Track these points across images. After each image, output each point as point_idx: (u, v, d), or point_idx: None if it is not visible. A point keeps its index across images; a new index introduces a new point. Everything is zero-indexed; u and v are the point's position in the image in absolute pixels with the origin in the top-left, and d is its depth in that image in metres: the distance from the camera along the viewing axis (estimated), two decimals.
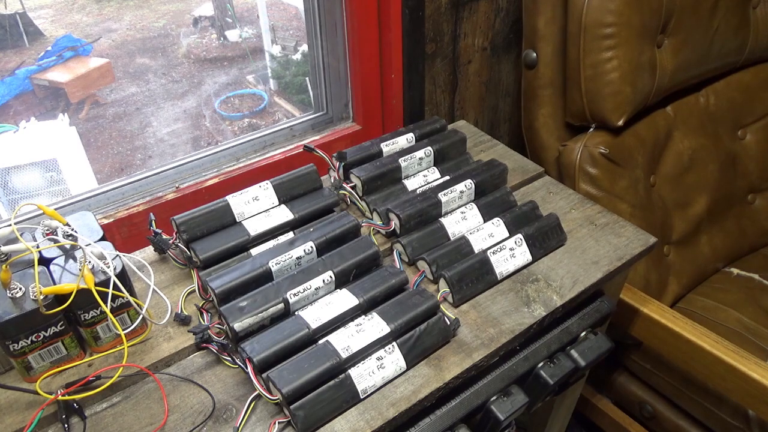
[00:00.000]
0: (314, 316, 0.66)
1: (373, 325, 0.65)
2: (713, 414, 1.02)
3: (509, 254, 0.76)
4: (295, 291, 0.67)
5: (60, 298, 0.59)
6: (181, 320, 0.69)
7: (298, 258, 0.73)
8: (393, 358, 0.63)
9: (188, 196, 0.97)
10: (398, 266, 0.76)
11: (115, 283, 0.61)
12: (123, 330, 0.63)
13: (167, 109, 3.02)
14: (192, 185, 0.99)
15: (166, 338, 0.68)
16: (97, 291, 0.59)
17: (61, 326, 0.61)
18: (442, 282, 0.73)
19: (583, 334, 0.77)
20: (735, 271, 1.30)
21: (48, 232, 0.64)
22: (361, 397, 0.61)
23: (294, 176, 0.82)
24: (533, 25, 1.12)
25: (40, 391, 0.59)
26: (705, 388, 1.01)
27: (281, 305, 0.66)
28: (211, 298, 0.70)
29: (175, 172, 1.00)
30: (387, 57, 1.05)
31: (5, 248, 0.59)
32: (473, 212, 0.82)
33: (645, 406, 1.15)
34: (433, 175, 0.89)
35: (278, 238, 0.78)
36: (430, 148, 0.90)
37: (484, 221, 0.81)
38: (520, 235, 0.78)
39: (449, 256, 0.75)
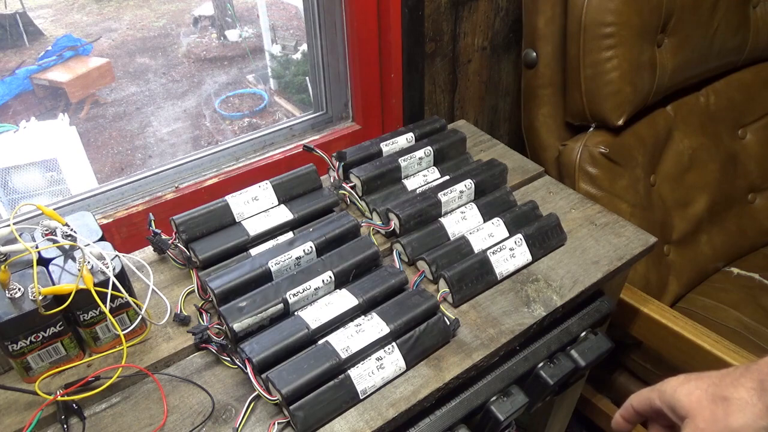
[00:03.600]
0: (314, 316, 0.65)
1: (373, 326, 0.64)
2: None
3: (509, 254, 0.76)
4: (294, 291, 0.67)
5: (59, 299, 0.59)
6: (181, 320, 0.69)
7: (297, 258, 0.72)
8: (392, 359, 0.63)
9: (188, 196, 0.97)
10: (398, 266, 0.76)
11: (114, 283, 0.61)
12: (122, 330, 0.63)
13: (167, 109, 3.02)
14: (191, 185, 0.99)
15: (166, 338, 0.68)
16: (96, 291, 0.59)
17: (60, 327, 0.61)
18: (441, 282, 0.73)
19: (583, 334, 0.77)
20: (735, 270, 1.30)
21: (47, 232, 0.64)
22: (361, 398, 0.61)
23: (293, 176, 0.82)
24: (533, 24, 1.12)
25: (39, 392, 0.59)
26: None
27: (281, 305, 0.66)
28: (210, 299, 0.70)
29: (174, 172, 1.00)
30: (387, 56, 1.05)
31: (4, 248, 0.59)
32: (473, 212, 0.82)
33: None
34: (433, 175, 0.89)
35: (278, 238, 0.78)
36: (429, 147, 0.90)
37: (484, 221, 0.81)
38: (520, 235, 0.77)
39: (449, 256, 0.75)
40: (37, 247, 0.61)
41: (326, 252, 0.73)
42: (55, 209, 0.69)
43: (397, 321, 0.65)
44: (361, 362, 0.62)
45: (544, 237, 0.79)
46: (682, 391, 0.46)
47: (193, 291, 0.73)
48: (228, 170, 1.02)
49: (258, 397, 0.61)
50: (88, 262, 0.61)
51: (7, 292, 0.59)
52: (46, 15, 3.50)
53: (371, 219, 0.84)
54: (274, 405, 0.61)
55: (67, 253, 0.64)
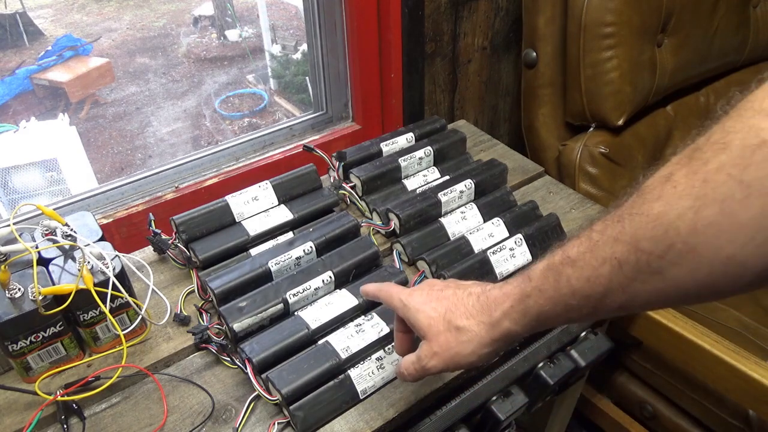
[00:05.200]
0: (314, 316, 0.65)
1: (373, 326, 0.64)
2: (713, 414, 1.02)
3: (509, 254, 0.76)
4: (294, 291, 0.67)
5: (59, 299, 0.59)
6: (181, 320, 0.69)
7: (297, 258, 0.72)
8: (393, 359, 0.63)
9: (188, 196, 0.97)
10: (398, 266, 0.76)
11: (114, 283, 0.61)
12: (122, 330, 0.63)
13: (167, 109, 3.02)
14: (191, 185, 0.98)
15: (166, 338, 0.68)
16: (96, 291, 0.59)
17: (60, 327, 0.61)
18: None
19: (583, 334, 0.77)
20: None
21: (47, 232, 0.64)
22: (361, 398, 0.61)
23: (293, 176, 0.82)
24: (533, 24, 1.12)
25: (39, 392, 0.59)
26: (705, 388, 1.01)
27: (281, 305, 0.66)
28: (210, 299, 0.70)
29: (174, 172, 1.00)
30: (387, 56, 1.05)
31: (4, 248, 0.58)
32: (473, 212, 0.82)
33: (645, 406, 1.15)
34: (433, 175, 0.89)
35: (278, 238, 0.78)
36: (429, 147, 0.90)
37: (484, 221, 0.81)
38: (520, 235, 0.77)
39: (449, 256, 0.75)
40: (37, 247, 0.60)
41: (326, 252, 0.73)
42: (55, 209, 0.69)
43: None
44: (361, 362, 0.62)
45: (544, 237, 0.79)
46: (422, 314, 0.51)
47: (193, 291, 0.73)
48: (228, 170, 1.02)
49: (258, 397, 0.61)
50: (88, 262, 0.61)
51: (7, 292, 0.59)
52: (46, 15, 3.50)
53: (371, 219, 0.84)
54: (274, 405, 0.61)
55: (67, 253, 0.64)
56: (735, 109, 0.32)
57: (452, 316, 0.50)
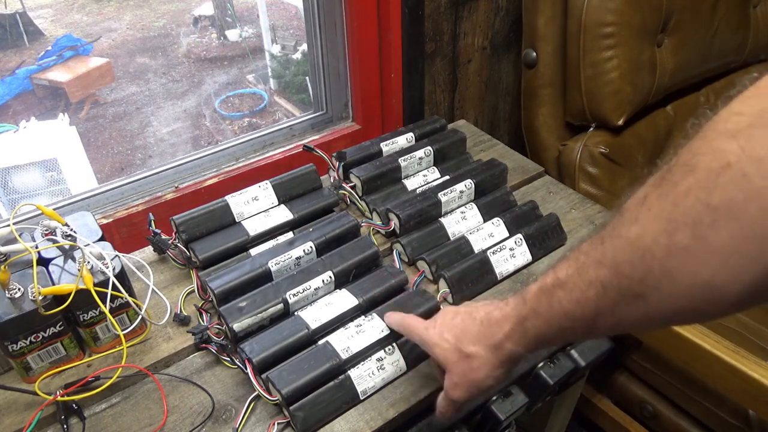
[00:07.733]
0: (314, 316, 0.65)
1: (373, 326, 0.64)
2: (713, 414, 1.02)
3: (509, 254, 0.76)
4: (294, 291, 0.67)
5: (59, 299, 0.59)
6: (181, 320, 0.69)
7: (297, 258, 0.72)
8: (393, 359, 0.63)
9: (187, 196, 0.97)
10: (398, 266, 0.76)
11: (113, 283, 0.61)
12: (122, 330, 0.63)
13: (167, 109, 3.02)
14: (191, 185, 0.98)
15: (166, 339, 0.68)
16: (96, 291, 0.59)
17: (60, 327, 0.61)
18: (441, 282, 0.73)
19: None
20: None
21: (47, 232, 0.64)
22: (361, 399, 0.61)
23: (293, 176, 0.82)
24: (533, 24, 1.12)
25: (39, 392, 0.59)
26: (705, 388, 1.01)
27: (281, 305, 0.66)
28: (210, 299, 0.70)
29: (174, 172, 0.99)
30: (386, 56, 1.05)
31: (4, 248, 0.58)
32: (473, 212, 0.82)
33: (645, 406, 1.15)
34: (433, 175, 0.89)
35: (278, 238, 0.78)
36: (429, 147, 0.90)
37: (484, 221, 0.81)
38: (520, 235, 0.77)
39: (449, 256, 0.75)
40: (37, 247, 0.60)
41: (326, 252, 0.73)
42: (55, 209, 0.69)
43: None
44: (362, 363, 0.62)
45: (544, 237, 0.79)
46: (438, 347, 0.53)
47: (193, 291, 0.73)
48: (228, 170, 1.02)
49: (258, 397, 0.61)
50: (88, 262, 0.61)
51: (7, 292, 0.59)
52: (46, 15, 3.50)
53: (371, 219, 0.84)
54: (274, 405, 0.61)
55: (67, 253, 0.64)
56: (702, 129, 0.32)
57: (461, 344, 0.51)
